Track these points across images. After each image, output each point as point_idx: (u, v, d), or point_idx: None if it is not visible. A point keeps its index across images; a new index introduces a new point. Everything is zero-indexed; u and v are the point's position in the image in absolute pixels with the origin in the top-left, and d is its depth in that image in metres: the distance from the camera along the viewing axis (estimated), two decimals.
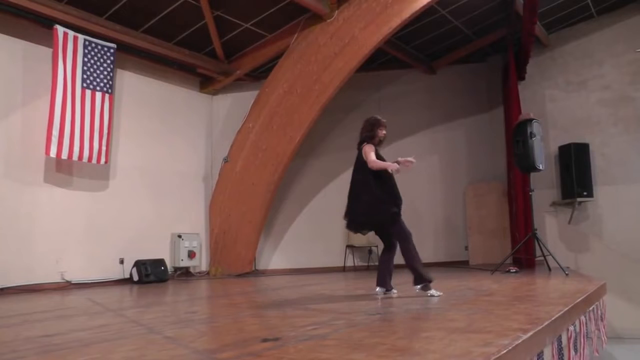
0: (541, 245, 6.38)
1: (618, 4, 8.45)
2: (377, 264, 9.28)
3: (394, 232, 4.41)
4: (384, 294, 4.49)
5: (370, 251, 9.39)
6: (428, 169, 9.49)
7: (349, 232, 9.33)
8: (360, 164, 4.54)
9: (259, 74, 9.30)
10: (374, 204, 4.38)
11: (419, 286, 4.22)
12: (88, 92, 6.98)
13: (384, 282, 4.54)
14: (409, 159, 4.47)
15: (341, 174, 9.69)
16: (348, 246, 9.36)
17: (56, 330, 3.22)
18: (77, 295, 5.72)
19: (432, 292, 4.15)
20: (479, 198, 9.40)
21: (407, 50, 9.28)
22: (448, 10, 8.11)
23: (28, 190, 6.55)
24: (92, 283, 7.02)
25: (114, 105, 7.42)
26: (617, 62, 8.51)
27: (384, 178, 4.41)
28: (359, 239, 9.30)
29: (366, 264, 9.45)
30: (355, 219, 4.54)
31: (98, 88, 7.09)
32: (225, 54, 8.68)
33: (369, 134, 4.59)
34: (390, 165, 4.35)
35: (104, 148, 7.13)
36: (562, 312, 2.95)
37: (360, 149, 4.58)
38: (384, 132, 4.63)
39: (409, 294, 4.43)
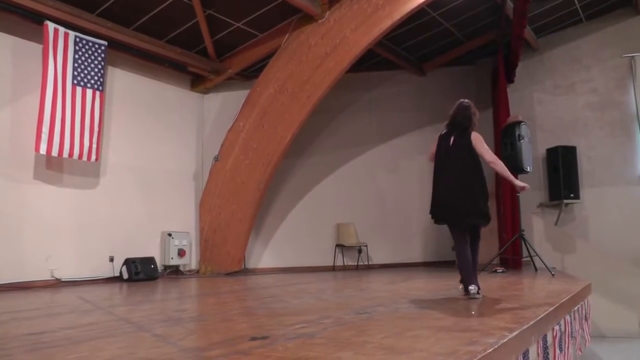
0: (528, 246, 6.46)
1: (606, 9, 8.57)
2: (367, 263, 9.42)
3: (478, 232, 4.23)
4: (478, 293, 3.98)
5: (359, 251, 9.43)
6: (417, 170, 9.54)
7: (338, 232, 9.41)
8: (467, 150, 4.14)
9: (250, 73, 9.31)
10: (485, 197, 4.13)
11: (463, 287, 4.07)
12: (79, 89, 6.94)
13: (475, 278, 4.08)
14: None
15: (331, 174, 9.76)
16: (338, 245, 9.40)
17: (45, 328, 3.21)
18: (67, 293, 5.69)
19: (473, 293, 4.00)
20: None
21: (398, 52, 9.33)
22: (439, 12, 8.17)
23: (17, 187, 6.50)
24: (82, 281, 6.98)
25: (105, 102, 7.39)
26: (604, 66, 8.65)
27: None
28: (349, 239, 9.36)
29: (355, 264, 9.49)
30: (466, 210, 4.08)
31: (89, 85, 7.06)
32: (217, 53, 8.67)
33: (475, 122, 4.26)
34: (514, 181, 4.23)
35: (94, 145, 7.10)
36: (547, 312, 3.00)
37: (464, 134, 4.19)
38: None
39: (398, 293, 4.47)
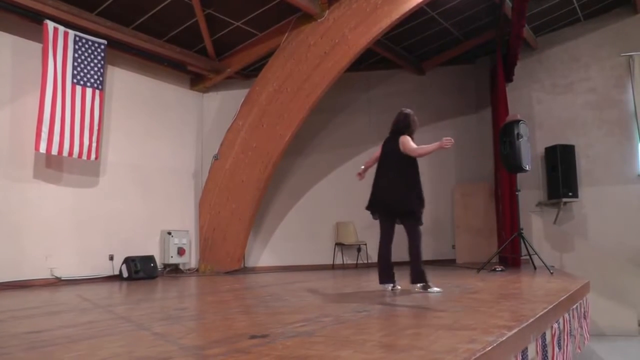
0: (527, 245, 6.47)
1: (604, 9, 8.60)
2: (366, 262, 9.42)
3: (415, 227, 4.50)
4: (394, 288, 4.55)
5: (359, 249, 9.44)
6: None
7: (337, 230, 9.43)
8: (400, 153, 4.55)
9: (249, 73, 9.32)
10: (418, 197, 4.50)
11: (419, 285, 4.33)
12: (78, 88, 6.94)
13: (390, 275, 4.61)
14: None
15: (330, 173, 9.77)
16: (337, 244, 9.41)
17: (44, 326, 3.21)
18: (66, 292, 5.70)
19: (433, 289, 4.29)
20: (466, 198, 9.50)
21: (397, 51, 9.34)
22: (438, 11, 8.18)
23: (17, 186, 6.51)
24: (81, 279, 6.99)
25: (105, 101, 7.39)
26: (602, 65, 8.67)
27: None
28: (348, 237, 9.37)
29: (355, 262, 9.50)
30: (396, 206, 4.53)
31: (88, 84, 7.06)
32: (216, 52, 8.67)
33: (413, 128, 4.70)
34: (437, 146, 4.45)
35: (94, 144, 7.11)
36: (546, 310, 2.99)
37: (397, 139, 4.60)
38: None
39: (397, 291, 4.49)
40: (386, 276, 4.59)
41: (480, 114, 9.77)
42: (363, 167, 4.94)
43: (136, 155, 8.08)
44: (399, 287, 4.59)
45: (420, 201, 4.52)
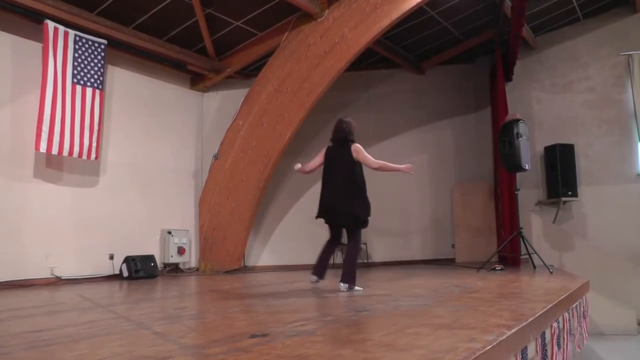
0: (526, 244, 6.48)
1: (603, 8, 8.61)
2: (366, 261, 9.43)
3: (359, 232, 4.75)
4: (317, 282, 4.88)
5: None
6: (416, 168, 9.45)
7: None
8: (348, 161, 4.70)
9: (249, 72, 9.32)
10: (367, 204, 4.68)
11: (346, 285, 4.57)
12: (78, 88, 6.95)
13: (322, 271, 4.91)
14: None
15: None
16: None
17: (45, 325, 3.21)
18: (67, 291, 5.70)
19: (356, 289, 4.58)
20: (465, 197, 9.51)
21: (397, 51, 9.34)
22: (437, 11, 8.18)
23: (17, 186, 6.52)
24: (81, 279, 7.00)
25: (105, 101, 7.40)
26: (601, 65, 8.69)
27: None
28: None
29: None
30: (344, 213, 4.67)
31: (89, 84, 7.07)
32: (216, 52, 8.68)
33: (355, 134, 4.83)
34: (400, 169, 4.71)
35: (94, 144, 7.11)
36: (546, 309, 2.99)
37: (347, 147, 4.73)
38: None
39: (397, 291, 4.50)
40: (320, 268, 4.89)
41: (479, 114, 9.78)
42: (299, 165, 5.06)
43: (136, 155, 8.09)
44: (321, 282, 4.88)
45: (367, 207, 4.69)
